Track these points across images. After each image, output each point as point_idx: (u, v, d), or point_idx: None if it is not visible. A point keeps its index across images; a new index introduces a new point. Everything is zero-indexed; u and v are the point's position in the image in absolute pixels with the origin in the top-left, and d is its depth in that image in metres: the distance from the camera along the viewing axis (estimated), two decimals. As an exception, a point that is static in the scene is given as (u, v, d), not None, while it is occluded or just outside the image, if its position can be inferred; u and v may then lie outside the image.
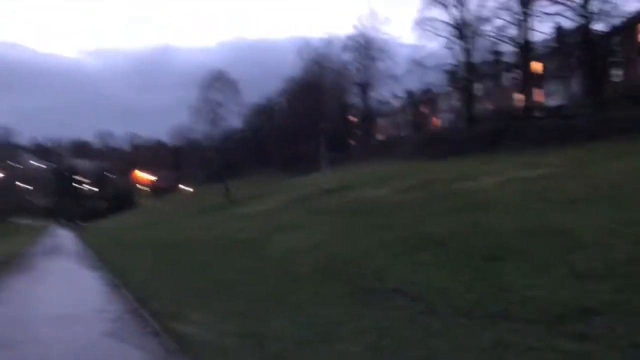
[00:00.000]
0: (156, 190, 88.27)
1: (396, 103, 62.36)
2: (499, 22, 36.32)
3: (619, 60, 33.93)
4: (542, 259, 7.60)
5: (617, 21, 31.53)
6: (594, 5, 30.68)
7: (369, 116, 53.88)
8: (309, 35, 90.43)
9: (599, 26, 32.22)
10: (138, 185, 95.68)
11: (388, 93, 55.80)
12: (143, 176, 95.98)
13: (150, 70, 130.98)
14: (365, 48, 50.70)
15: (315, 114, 37.06)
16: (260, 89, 64.21)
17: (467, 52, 39.77)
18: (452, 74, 44.29)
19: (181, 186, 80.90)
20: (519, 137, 29.49)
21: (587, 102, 31.05)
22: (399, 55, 48.96)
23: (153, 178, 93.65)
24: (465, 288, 7.29)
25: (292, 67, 51.36)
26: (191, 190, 73.48)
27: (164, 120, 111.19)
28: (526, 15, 34.67)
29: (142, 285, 10.98)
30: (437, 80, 44.74)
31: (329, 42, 49.95)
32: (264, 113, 67.69)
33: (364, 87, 51.91)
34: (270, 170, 54.90)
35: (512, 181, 16.87)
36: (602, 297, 5.57)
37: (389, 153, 42.20)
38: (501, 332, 5.13)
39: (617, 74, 34.24)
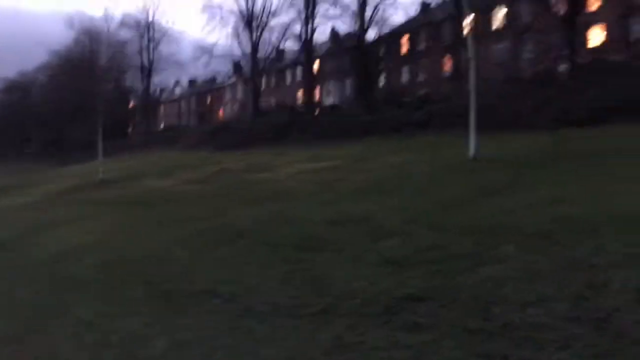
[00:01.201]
0: None
1: (180, 91, 60.07)
2: (285, 18, 37.65)
3: (385, 67, 38.31)
4: (352, 247, 7.67)
5: (385, 31, 35.49)
6: (367, 14, 33.97)
7: (150, 102, 50.56)
8: (80, 10, 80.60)
9: (371, 34, 35.86)
10: None
11: (172, 79, 53.32)
12: None
13: None
14: (147, 29, 47.42)
15: (87, 95, 32.82)
16: (21, 64, 54.67)
17: (254, 44, 40.18)
18: (238, 66, 44.32)
19: None
20: (302, 132, 31.03)
21: (358, 103, 34.26)
22: (185, 41, 46.98)
23: None
24: (280, 283, 6.91)
25: (59, 41, 44.88)
26: None
27: None
28: (310, 15, 36.57)
29: None
30: (224, 70, 44.34)
31: (105, 18, 45.22)
32: (19, 90, 57.89)
33: (145, 71, 48.49)
34: (30, 157, 47.18)
35: (304, 172, 17.42)
36: (419, 284, 5.73)
37: (172, 142, 40.31)
38: (336, 331, 4.81)
39: (383, 79, 38.65)
